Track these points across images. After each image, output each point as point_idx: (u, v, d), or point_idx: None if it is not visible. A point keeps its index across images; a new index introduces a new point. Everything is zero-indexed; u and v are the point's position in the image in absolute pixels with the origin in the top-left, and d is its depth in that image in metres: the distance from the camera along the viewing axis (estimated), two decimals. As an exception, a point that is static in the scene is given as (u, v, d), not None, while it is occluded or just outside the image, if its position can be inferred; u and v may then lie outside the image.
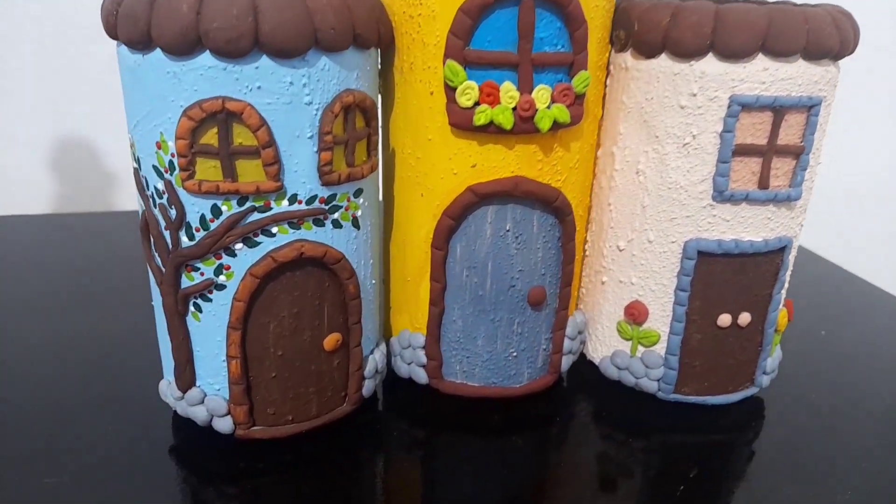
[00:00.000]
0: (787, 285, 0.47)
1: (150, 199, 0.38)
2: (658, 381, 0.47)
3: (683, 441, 0.47)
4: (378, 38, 0.39)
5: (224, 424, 0.41)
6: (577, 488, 0.42)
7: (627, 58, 0.44)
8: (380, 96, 0.44)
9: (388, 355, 0.49)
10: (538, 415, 0.48)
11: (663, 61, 0.42)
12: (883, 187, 1.05)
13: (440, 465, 0.44)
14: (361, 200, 0.41)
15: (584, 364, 0.52)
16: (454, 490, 0.41)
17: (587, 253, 0.50)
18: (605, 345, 0.50)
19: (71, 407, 0.46)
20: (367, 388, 0.45)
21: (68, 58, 0.86)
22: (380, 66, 0.43)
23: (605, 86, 0.46)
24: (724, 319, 0.45)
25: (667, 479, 0.43)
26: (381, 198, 0.46)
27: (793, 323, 0.60)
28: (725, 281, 0.45)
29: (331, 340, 0.42)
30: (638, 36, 0.42)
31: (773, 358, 0.49)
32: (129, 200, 0.92)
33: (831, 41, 0.40)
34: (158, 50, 0.34)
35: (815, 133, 0.42)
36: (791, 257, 0.46)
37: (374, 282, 0.45)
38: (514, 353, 0.46)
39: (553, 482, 0.43)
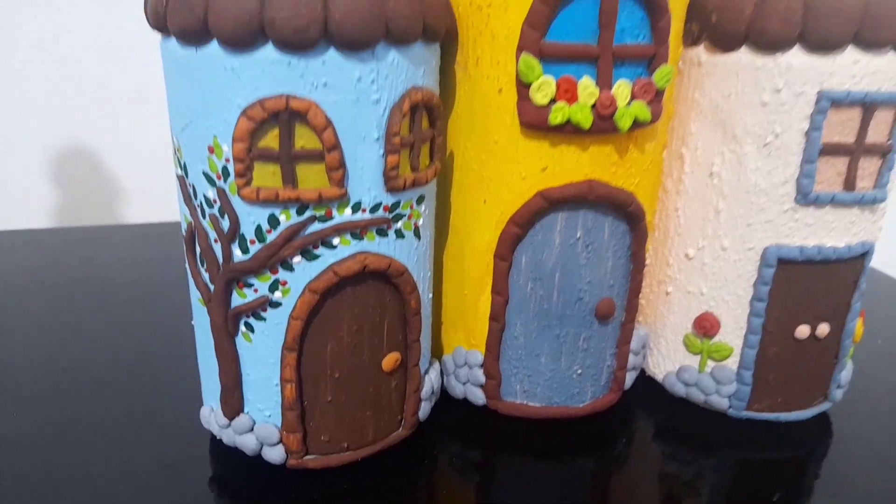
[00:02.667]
0: (861, 293, 0.44)
1: (199, 209, 0.34)
2: (729, 397, 0.45)
3: (754, 459, 0.44)
4: (445, 30, 0.36)
5: (275, 454, 0.38)
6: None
7: (701, 52, 0.41)
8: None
9: (444, 374, 0.46)
10: (599, 435, 0.45)
11: (744, 54, 0.39)
12: None
13: (499, 489, 0.41)
14: (423, 208, 0.38)
15: (642, 380, 0.49)
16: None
17: (648, 262, 0.47)
18: (669, 360, 0.47)
19: (91, 437, 0.42)
20: (424, 410, 0.42)
21: (71, 66, 0.82)
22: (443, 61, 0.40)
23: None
24: (803, 331, 0.43)
25: (741, 499, 0.40)
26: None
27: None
28: (805, 290, 0.42)
29: (390, 360, 0.38)
30: (717, 27, 0.39)
31: (846, 371, 0.46)
32: (135, 213, 0.88)
33: (925, 32, 0.38)
34: (215, 42, 0.31)
35: (903, 131, 0.40)
36: (870, 263, 0.43)
37: (430, 295, 0.41)
38: (579, 371, 0.43)
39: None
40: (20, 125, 0.83)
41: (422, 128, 0.36)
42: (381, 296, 0.37)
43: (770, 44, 0.38)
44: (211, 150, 0.33)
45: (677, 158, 0.44)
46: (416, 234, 0.38)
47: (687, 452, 0.45)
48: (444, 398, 0.46)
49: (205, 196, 0.34)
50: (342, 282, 0.35)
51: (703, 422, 0.46)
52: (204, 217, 0.34)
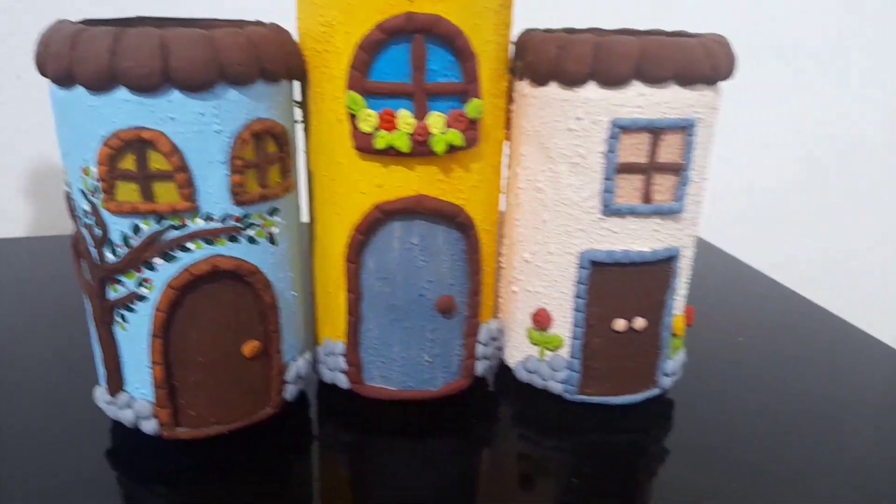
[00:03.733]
0: (681, 292, 0.51)
1: (79, 220, 0.42)
2: (563, 383, 0.51)
3: (595, 440, 0.50)
4: (287, 71, 0.43)
5: (150, 426, 0.45)
6: (498, 486, 0.46)
7: (525, 85, 0.48)
8: (303, 123, 0.48)
9: (317, 362, 0.53)
10: (460, 418, 0.52)
11: (553, 89, 0.46)
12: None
13: (366, 466, 0.48)
14: (278, 219, 0.45)
15: (502, 369, 0.56)
16: (380, 490, 0.45)
17: (503, 265, 0.54)
18: (519, 350, 0.54)
19: (20, 417, 0.50)
20: (290, 392, 0.49)
21: (45, 93, 0.89)
22: (303, 95, 0.47)
23: (511, 111, 0.50)
24: (620, 324, 0.49)
25: (587, 476, 0.46)
26: (306, 215, 0.50)
27: (709, 327, 0.64)
28: (619, 288, 0.48)
29: (249, 347, 0.45)
30: (532, 65, 0.46)
31: (673, 360, 0.52)
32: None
33: (703, 68, 0.44)
34: (80, 86, 0.38)
35: (695, 151, 0.46)
36: (682, 266, 0.50)
37: (295, 294, 0.48)
38: (428, 359, 0.50)
39: (475, 481, 0.47)
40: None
41: (268, 152, 0.43)
42: (237, 292, 0.44)
43: (570, 80, 0.45)
44: (84, 172, 0.40)
45: (514, 176, 0.50)
46: (271, 240, 0.45)
47: (536, 434, 0.51)
48: (324, 384, 0.53)
49: (83, 209, 0.41)
50: (198, 280, 0.42)
51: (554, 406, 0.53)
52: (83, 226, 0.42)
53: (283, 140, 0.44)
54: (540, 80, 0.46)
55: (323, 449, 0.49)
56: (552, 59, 0.45)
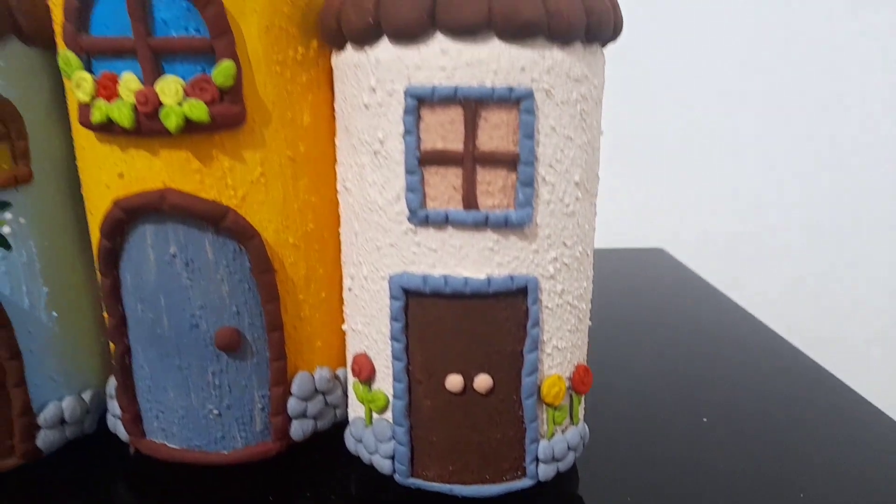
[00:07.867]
0: (558, 343, 0.36)
1: None
2: (390, 458, 0.37)
3: None
4: (13, 27, 0.35)
5: None
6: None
7: (333, 55, 0.36)
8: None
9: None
10: (262, 495, 0.39)
11: (348, 52, 0.34)
12: None
13: None
14: (9, 215, 0.36)
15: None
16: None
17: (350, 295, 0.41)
18: (354, 410, 0.40)
19: None
20: (45, 440, 0.39)
21: None
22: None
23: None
24: (454, 382, 0.35)
25: None
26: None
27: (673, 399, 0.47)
28: (448, 331, 0.35)
29: (-34, 374, 0.36)
30: (324, 23, 0.35)
31: (552, 441, 0.37)
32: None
33: (533, 13, 0.31)
34: None
35: (540, 137, 0.32)
36: (550, 305, 0.35)
37: (54, 314, 0.39)
38: (216, 411, 0.38)
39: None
40: None
41: (-24, 129, 0.34)
42: (-58, 302, 0.35)
43: (354, 35, 0.33)
44: None
45: (336, 178, 0.39)
46: (1, 242, 0.36)
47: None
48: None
49: None
50: None
51: (391, 490, 0.39)
52: None
53: (5, 116, 0.35)
54: (337, 42, 0.35)
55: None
56: (336, 9, 0.33)
